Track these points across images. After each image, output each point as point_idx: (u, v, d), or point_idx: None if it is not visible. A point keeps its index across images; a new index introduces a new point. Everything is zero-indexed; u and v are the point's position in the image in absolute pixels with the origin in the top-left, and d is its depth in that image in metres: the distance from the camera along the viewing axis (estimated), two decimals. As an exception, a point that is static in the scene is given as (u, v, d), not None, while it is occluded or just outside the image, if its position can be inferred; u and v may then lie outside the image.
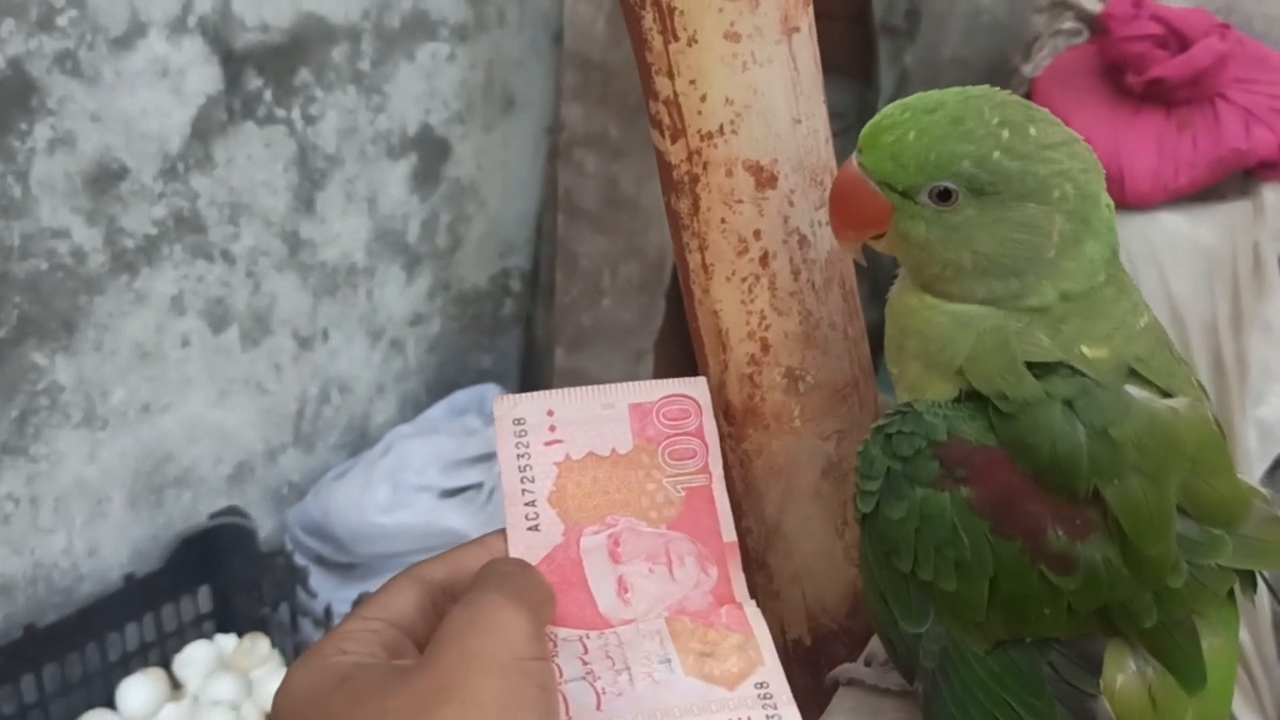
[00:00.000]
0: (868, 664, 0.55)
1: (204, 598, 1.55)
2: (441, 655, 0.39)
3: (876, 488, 0.47)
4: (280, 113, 1.51)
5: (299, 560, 1.59)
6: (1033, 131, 0.44)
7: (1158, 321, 0.48)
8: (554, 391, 0.51)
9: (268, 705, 1.27)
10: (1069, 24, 1.56)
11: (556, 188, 1.83)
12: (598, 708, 0.44)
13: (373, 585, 1.52)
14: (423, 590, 0.45)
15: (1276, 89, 1.45)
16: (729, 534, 0.50)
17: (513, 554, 0.48)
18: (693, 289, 0.56)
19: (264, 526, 1.63)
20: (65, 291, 1.34)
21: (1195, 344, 1.42)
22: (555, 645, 0.46)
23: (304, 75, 1.52)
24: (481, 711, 0.38)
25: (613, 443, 0.51)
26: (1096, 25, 1.51)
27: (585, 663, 0.46)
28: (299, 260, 1.59)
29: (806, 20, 0.54)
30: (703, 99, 0.52)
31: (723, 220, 0.54)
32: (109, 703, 1.43)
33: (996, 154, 0.44)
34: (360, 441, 1.75)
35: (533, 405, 0.51)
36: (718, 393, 0.56)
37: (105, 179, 1.35)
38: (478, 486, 1.63)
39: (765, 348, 0.55)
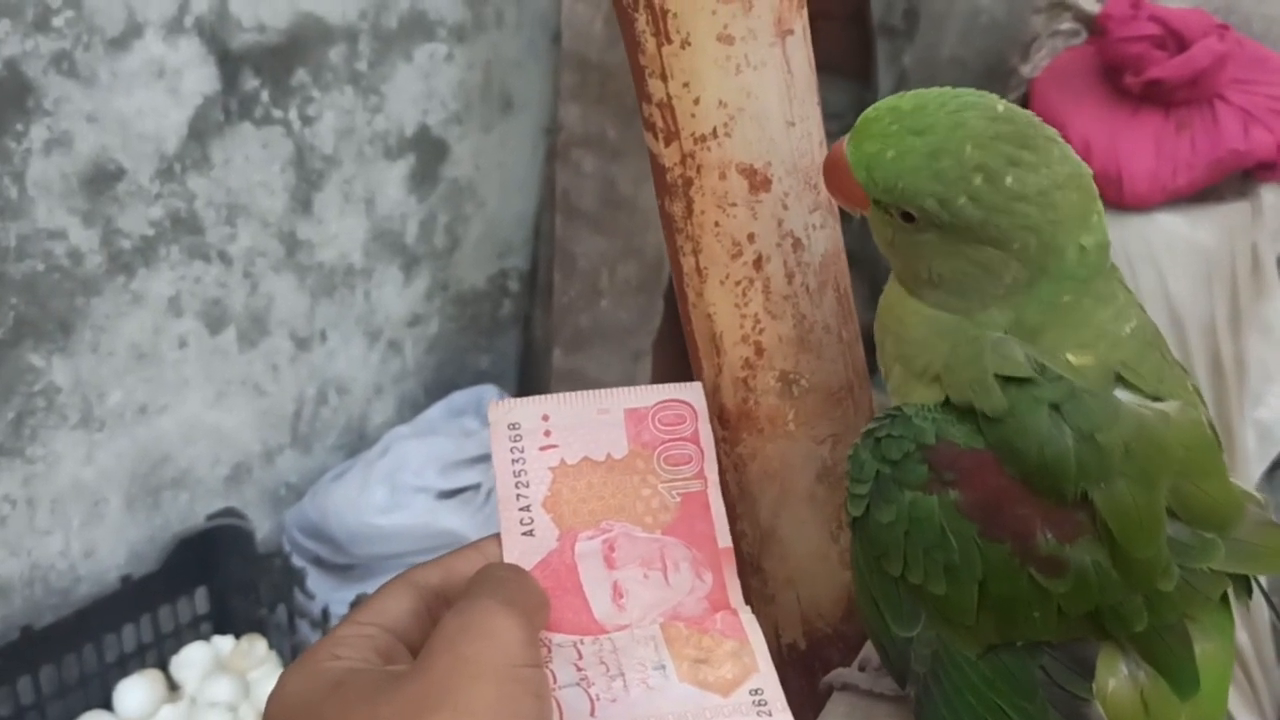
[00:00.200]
0: (862, 668, 0.55)
1: (201, 599, 1.55)
2: (435, 661, 0.39)
3: (866, 491, 0.47)
4: (277, 113, 1.51)
5: (296, 561, 1.59)
6: (1009, 180, 0.43)
7: (1150, 324, 0.48)
8: (549, 396, 0.51)
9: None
10: (1067, 24, 1.56)
11: (554, 188, 1.83)
12: (592, 714, 0.44)
13: (370, 586, 1.52)
14: (417, 595, 0.45)
15: (1275, 90, 1.44)
16: (724, 540, 0.50)
17: (507, 559, 0.48)
18: (686, 292, 0.56)
19: (261, 528, 1.62)
20: (62, 293, 1.34)
21: (1194, 345, 1.41)
22: (550, 651, 0.46)
23: (301, 76, 1.52)
24: (475, 718, 0.38)
25: (608, 448, 0.50)
26: (1095, 26, 1.51)
27: (580, 668, 0.46)
28: (296, 261, 1.59)
29: (800, 23, 0.54)
30: (696, 102, 0.52)
31: (716, 224, 0.54)
32: (106, 704, 1.43)
33: (962, 200, 0.43)
34: (358, 442, 1.75)
35: (528, 410, 0.51)
36: (712, 396, 0.55)
37: (102, 180, 1.35)
38: (475, 487, 1.63)
39: (759, 351, 0.55)
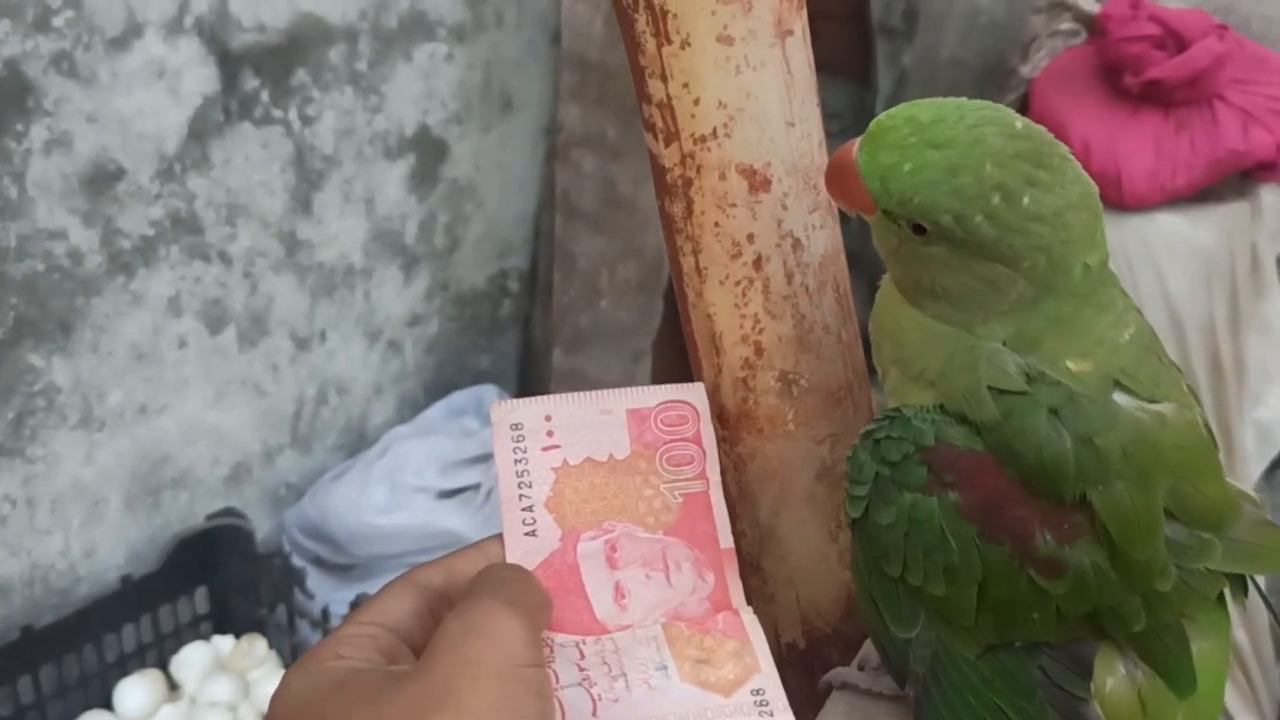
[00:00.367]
0: (861, 668, 0.55)
1: (201, 599, 1.56)
2: (437, 661, 0.39)
3: (865, 493, 0.47)
4: (277, 113, 1.51)
5: (296, 561, 1.59)
6: (1025, 201, 0.43)
7: (1147, 327, 0.48)
8: (552, 397, 0.51)
9: (265, 706, 1.27)
10: (1067, 25, 1.56)
11: (554, 188, 1.83)
12: (594, 714, 0.44)
13: (370, 586, 1.52)
14: (419, 595, 0.45)
15: (1274, 90, 1.45)
16: (726, 540, 0.50)
17: (510, 559, 0.48)
18: (686, 292, 0.56)
19: (261, 528, 1.63)
20: (62, 293, 1.34)
21: (1193, 345, 1.42)
22: (552, 651, 0.46)
23: (301, 76, 1.52)
24: (477, 718, 0.38)
25: (610, 448, 0.50)
26: (1094, 26, 1.51)
27: (582, 669, 0.46)
28: (296, 261, 1.59)
29: (800, 23, 0.54)
30: (696, 102, 0.52)
31: (716, 224, 0.54)
32: (106, 704, 1.43)
33: (979, 218, 0.43)
34: (358, 442, 1.75)
35: (530, 410, 0.51)
36: (711, 396, 0.56)
37: (102, 180, 1.35)
38: (475, 487, 1.63)
39: (759, 351, 0.55)
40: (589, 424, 0.51)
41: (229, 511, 1.57)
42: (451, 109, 1.73)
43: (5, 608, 1.38)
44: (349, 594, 1.53)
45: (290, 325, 1.61)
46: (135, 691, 1.42)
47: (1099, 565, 0.44)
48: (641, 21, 0.52)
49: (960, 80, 1.72)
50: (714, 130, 0.53)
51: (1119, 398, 0.45)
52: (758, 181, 0.53)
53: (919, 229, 0.44)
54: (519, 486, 0.50)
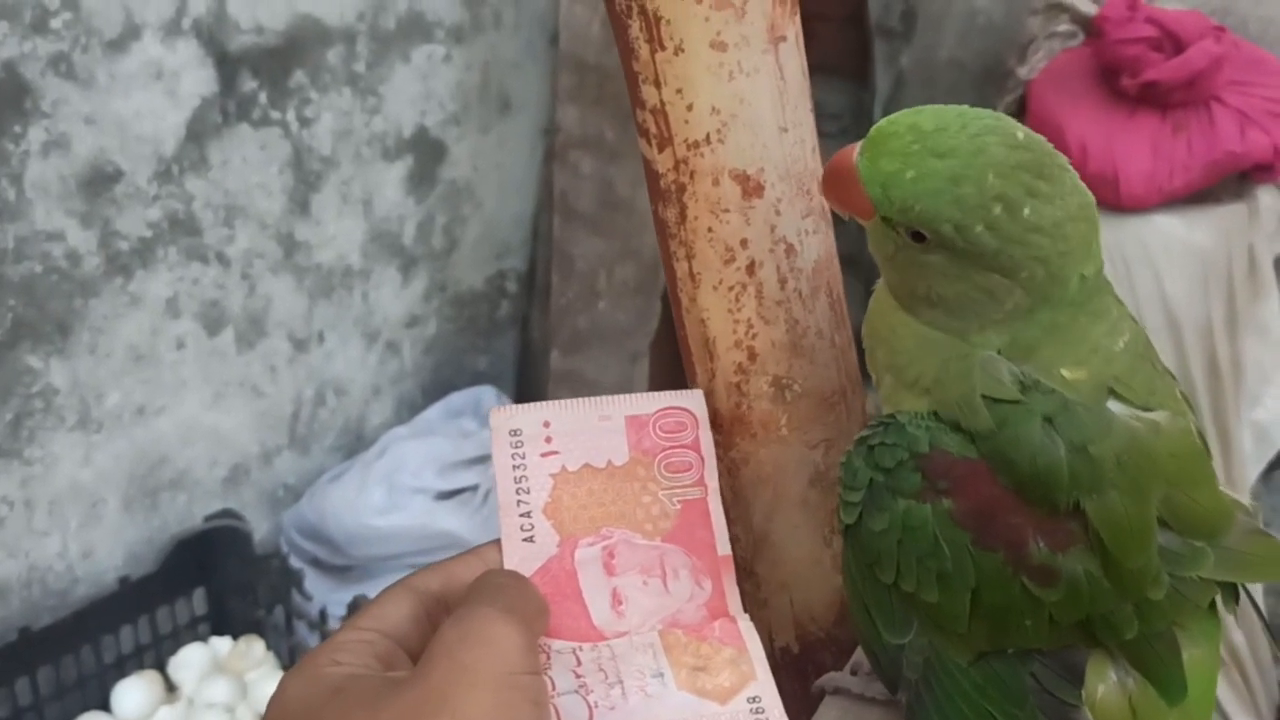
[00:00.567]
0: (854, 673, 0.55)
1: (199, 600, 1.56)
2: (433, 668, 0.39)
3: (859, 499, 0.47)
4: (275, 115, 1.51)
5: (294, 563, 1.59)
6: (1026, 212, 0.43)
7: (1141, 335, 0.48)
8: (551, 403, 0.51)
9: (262, 708, 1.27)
10: (1064, 26, 1.56)
11: (552, 190, 1.83)
12: None
13: (368, 588, 1.52)
14: (417, 601, 0.45)
15: (1272, 91, 1.44)
16: (724, 547, 0.50)
17: (507, 565, 0.48)
18: (680, 297, 0.56)
19: (259, 529, 1.63)
20: (60, 294, 1.34)
21: (1190, 347, 1.41)
22: (549, 657, 0.46)
23: (299, 77, 1.52)
24: None
25: (609, 454, 0.50)
26: (1091, 28, 1.51)
27: (578, 675, 0.46)
28: (294, 262, 1.59)
29: (793, 29, 0.54)
30: (689, 108, 0.52)
31: (709, 229, 0.54)
32: (104, 705, 1.43)
33: (980, 228, 0.43)
34: (356, 444, 1.75)
35: (529, 416, 0.51)
36: (705, 401, 0.56)
37: (100, 182, 1.35)
38: (473, 489, 1.63)
39: (752, 356, 0.55)
40: (587, 430, 0.51)
41: (227, 513, 1.57)
42: (449, 110, 1.73)
43: (3, 609, 1.38)
44: (347, 595, 1.53)
45: (288, 326, 1.61)
46: (133, 693, 1.42)
47: (1092, 573, 0.44)
48: (635, 27, 0.52)
49: (958, 81, 1.72)
50: (707, 136, 0.53)
51: (1113, 406, 0.45)
52: (751, 187, 0.53)
53: (917, 236, 0.44)
54: (517, 492, 0.50)
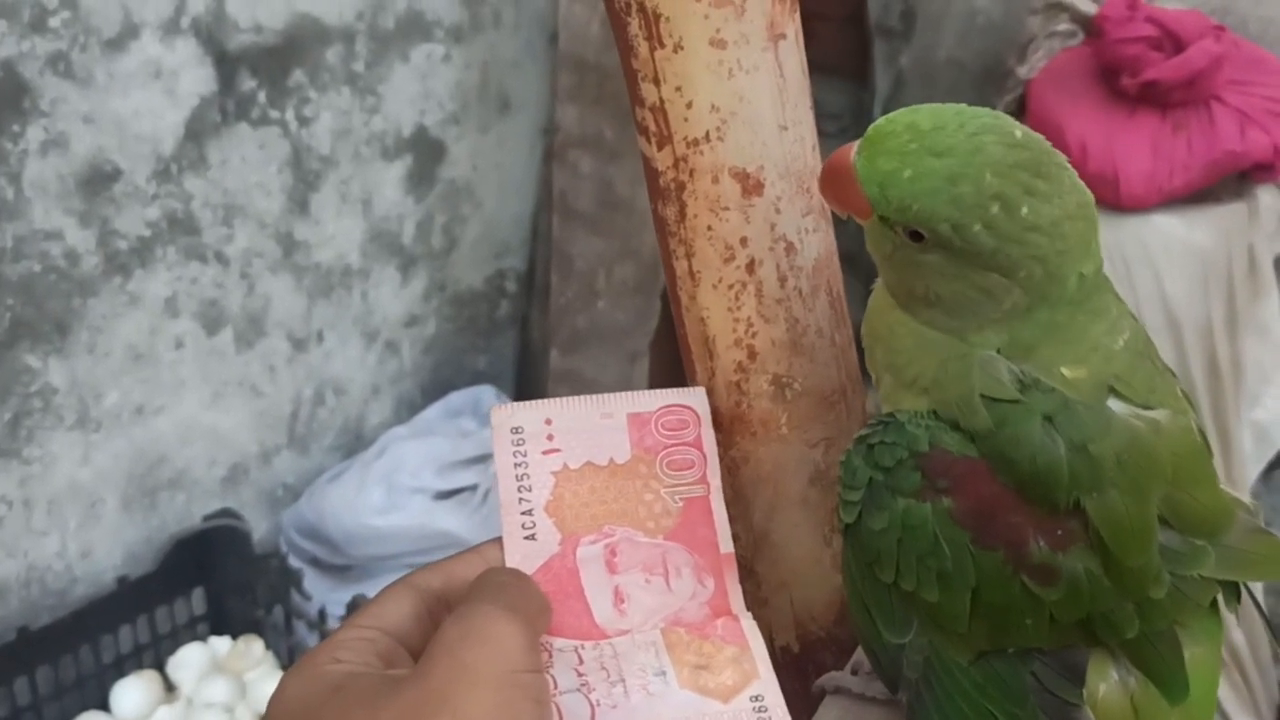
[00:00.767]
0: (854, 672, 0.55)
1: (198, 600, 1.56)
2: (434, 666, 0.39)
3: (859, 498, 0.47)
4: (274, 114, 1.51)
5: (293, 562, 1.59)
6: (1024, 211, 0.43)
7: (1141, 333, 0.48)
8: (552, 400, 0.51)
9: (261, 708, 1.27)
10: (1064, 26, 1.56)
11: (552, 189, 1.83)
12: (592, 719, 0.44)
13: (367, 587, 1.52)
14: (418, 599, 0.45)
15: (1271, 91, 1.44)
16: (726, 545, 0.50)
17: (509, 563, 0.48)
18: (680, 296, 0.56)
19: (258, 529, 1.63)
20: (58, 294, 1.34)
21: (1190, 346, 1.41)
22: (550, 656, 0.46)
23: (298, 76, 1.52)
24: None
25: (611, 452, 0.50)
26: (1091, 27, 1.51)
27: (580, 674, 0.45)
28: (293, 262, 1.59)
29: (793, 27, 0.54)
30: (689, 106, 0.52)
31: (709, 227, 0.54)
32: (103, 705, 1.43)
33: (977, 227, 0.43)
34: (355, 443, 1.75)
35: (531, 414, 0.51)
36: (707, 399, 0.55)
37: (98, 181, 1.35)
38: (473, 488, 1.63)
39: (752, 355, 0.55)
40: (589, 428, 0.51)
41: (226, 512, 1.57)
42: (449, 110, 1.73)
43: (2, 609, 1.38)
44: (346, 595, 1.53)
45: (287, 326, 1.61)
46: (132, 692, 1.42)
47: (1092, 572, 0.44)
48: (634, 25, 0.52)
49: (958, 81, 1.72)
50: (707, 134, 0.53)
51: (1113, 404, 0.45)
52: (750, 185, 0.53)
53: (915, 235, 0.44)
54: (519, 490, 0.49)
